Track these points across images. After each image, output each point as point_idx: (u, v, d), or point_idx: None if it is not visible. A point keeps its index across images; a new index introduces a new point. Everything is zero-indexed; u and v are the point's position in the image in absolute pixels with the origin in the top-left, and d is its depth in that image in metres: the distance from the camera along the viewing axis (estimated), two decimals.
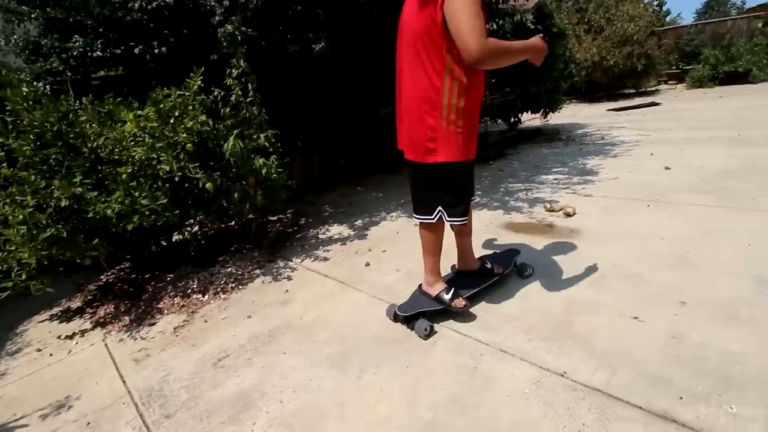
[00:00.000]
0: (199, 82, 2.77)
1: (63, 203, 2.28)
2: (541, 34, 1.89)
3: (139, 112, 2.69)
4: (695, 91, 11.12)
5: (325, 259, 3.16)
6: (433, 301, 2.14)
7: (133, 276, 3.18)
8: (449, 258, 2.43)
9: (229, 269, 3.08)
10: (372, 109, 6.06)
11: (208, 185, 2.65)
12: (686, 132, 5.97)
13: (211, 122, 2.83)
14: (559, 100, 7.19)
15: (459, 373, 1.78)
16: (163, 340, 2.37)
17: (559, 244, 2.88)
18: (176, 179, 2.61)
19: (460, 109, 1.81)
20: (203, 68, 2.80)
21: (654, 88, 12.73)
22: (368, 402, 1.70)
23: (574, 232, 3.04)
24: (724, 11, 34.12)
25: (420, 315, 2.10)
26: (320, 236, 3.65)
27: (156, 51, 3.58)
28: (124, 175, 2.46)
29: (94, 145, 2.54)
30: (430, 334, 2.05)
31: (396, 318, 2.20)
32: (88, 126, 2.56)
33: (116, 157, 2.57)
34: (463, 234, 2.30)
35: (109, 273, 3.34)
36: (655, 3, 20.58)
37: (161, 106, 2.64)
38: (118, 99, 2.79)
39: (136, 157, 2.52)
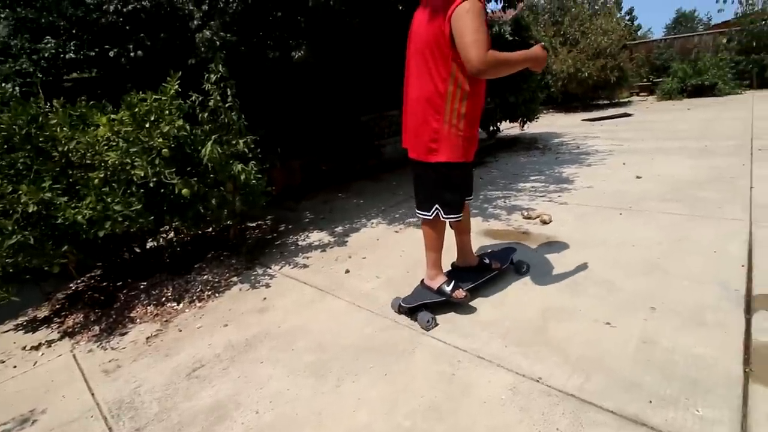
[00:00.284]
0: (177, 86, 2.73)
1: (31, 209, 2.20)
2: (542, 44, 2.07)
3: (113, 115, 2.63)
4: (665, 102, 11.54)
5: (305, 266, 3.13)
6: (435, 294, 2.25)
7: (105, 284, 3.08)
8: (448, 255, 2.47)
9: (205, 276, 3.02)
10: (354, 116, 6.08)
11: (185, 191, 2.60)
12: (657, 142, 6.19)
13: (188, 127, 2.78)
14: (536, 109, 7.36)
15: (437, 380, 1.79)
16: (135, 350, 2.30)
17: (535, 251, 2.94)
18: (151, 185, 2.56)
19: (462, 114, 1.96)
20: (181, 72, 2.76)
21: (626, 100, 13.16)
22: (346, 410, 1.68)
23: (550, 239, 3.10)
24: (692, 27, 35.70)
25: (422, 307, 2.22)
26: (300, 243, 3.62)
27: (132, 54, 3.51)
28: (96, 180, 2.39)
29: (65, 149, 2.47)
30: (432, 325, 2.15)
31: (400, 310, 2.31)
32: (58, 129, 2.48)
33: (88, 161, 2.50)
34: (463, 232, 2.44)
35: (79, 281, 3.23)
36: (627, 18, 21.41)
37: (136, 110, 2.58)
38: (92, 102, 2.73)
39: (109, 161, 2.45)
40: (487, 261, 2.50)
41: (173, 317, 2.59)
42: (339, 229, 3.85)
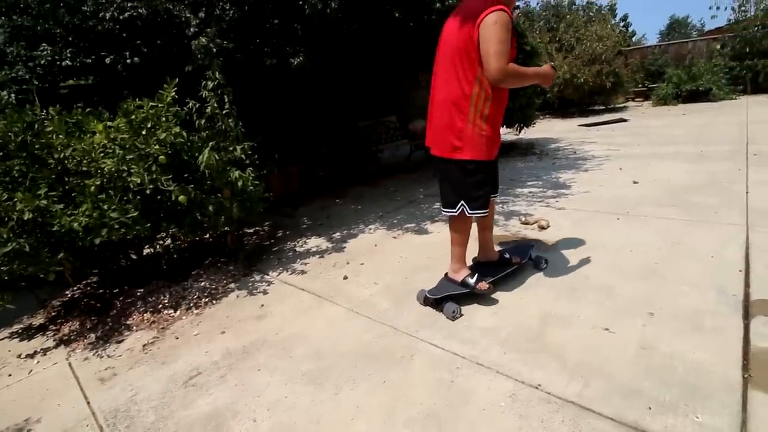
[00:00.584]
0: (174, 93, 2.73)
1: (26, 216, 2.19)
2: (551, 63, 2.27)
3: (109, 123, 2.62)
4: (660, 108, 11.62)
5: (303, 272, 3.12)
6: (459, 286, 2.35)
7: (101, 291, 3.06)
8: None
9: (202, 283, 3.00)
10: (351, 122, 6.10)
11: (182, 198, 2.59)
12: (653, 147, 6.22)
13: (185, 134, 2.78)
14: (533, 115, 7.39)
15: (436, 387, 1.78)
16: (131, 358, 2.28)
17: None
18: (148, 192, 2.55)
19: (486, 115, 2.09)
20: (177, 79, 2.76)
21: (622, 105, 13.24)
22: (345, 418, 1.67)
23: (548, 244, 3.10)
24: (686, 33, 36.01)
25: (447, 298, 2.31)
26: (298, 249, 3.61)
27: (128, 61, 3.51)
28: (92, 188, 2.38)
29: (61, 156, 2.46)
30: (457, 314, 2.26)
31: (426, 302, 2.41)
32: (54, 136, 2.48)
33: (84, 168, 2.49)
34: (486, 228, 2.58)
35: (75, 288, 3.21)
36: (622, 24, 21.63)
37: (133, 117, 2.58)
38: (88, 109, 2.72)
39: (105, 168, 2.44)
40: (507, 256, 2.63)
41: (170, 324, 2.57)
42: (337, 235, 3.84)
